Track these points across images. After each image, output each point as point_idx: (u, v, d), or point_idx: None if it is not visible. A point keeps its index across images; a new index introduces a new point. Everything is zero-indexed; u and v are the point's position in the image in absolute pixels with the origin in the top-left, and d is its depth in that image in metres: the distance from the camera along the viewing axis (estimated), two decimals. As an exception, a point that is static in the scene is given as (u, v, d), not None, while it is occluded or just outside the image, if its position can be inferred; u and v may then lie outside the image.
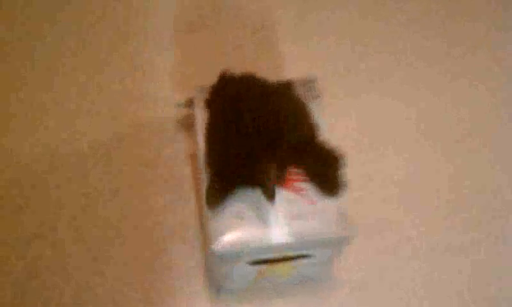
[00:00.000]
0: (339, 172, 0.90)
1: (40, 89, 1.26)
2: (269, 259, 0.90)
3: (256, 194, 0.87)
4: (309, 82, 0.99)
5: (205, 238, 0.93)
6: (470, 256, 1.10)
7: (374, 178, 1.17)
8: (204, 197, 0.86)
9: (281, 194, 0.87)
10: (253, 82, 0.91)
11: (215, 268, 0.92)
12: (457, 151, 1.23)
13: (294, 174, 0.90)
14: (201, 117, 0.94)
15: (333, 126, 1.16)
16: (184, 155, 1.17)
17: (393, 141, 1.23)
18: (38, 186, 1.12)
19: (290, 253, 0.89)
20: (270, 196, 0.84)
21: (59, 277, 1.02)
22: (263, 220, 0.85)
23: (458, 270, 1.09)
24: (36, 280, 1.02)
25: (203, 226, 1.04)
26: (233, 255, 0.85)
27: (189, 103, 1.05)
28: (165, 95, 1.24)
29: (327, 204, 0.88)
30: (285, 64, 1.31)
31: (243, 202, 0.87)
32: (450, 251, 1.11)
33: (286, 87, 0.96)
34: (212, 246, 0.83)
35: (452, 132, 1.25)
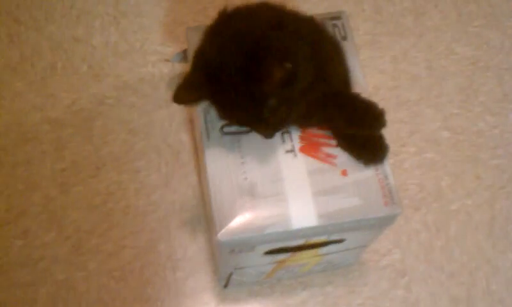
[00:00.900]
0: (379, 133, 0.68)
1: (3, 43, 1.07)
2: (289, 247, 0.72)
3: (272, 162, 0.67)
4: (336, 18, 0.77)
5: (209, 220, 0.74)
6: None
7: (411, 138, 0.97)
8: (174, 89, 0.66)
9: (306, 162, 0.68)
10: (264, 12, 0.68)
11: (222, 259, 0.74)
12: (507, 105, 1.06)
13: (321, 135, 0.71)
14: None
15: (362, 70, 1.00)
16: (180, 120, 0.99)
17: (431, 95, 1.06)
18: (4, 162, 0.96)
19: (317, 239, 0.69)
20: (266, 120, 0.64)
21: (31, 273, 0.88)
22: (282, 196, 0.65)
23: None
24: (3, 277, 0.88)
25: (206, 205, 0.84)
26: (246, 244, 0.68)
27: (182, 57, 0.85)
28: (155, 48, 1.06)
29: (364, 175, 0.68)
30: (301, 5, 1.09)
31: (255, 171, 0.66)
32: (510, 226, 0.96)
33: (309, 20, 0.73)
34: (219, 235, 0.64)
35: (501, 81, 1.08)
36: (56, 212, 0.92)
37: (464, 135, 1.02)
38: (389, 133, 0.98)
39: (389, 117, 1.00)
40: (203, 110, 0.72)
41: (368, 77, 1.02)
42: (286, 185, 0.67)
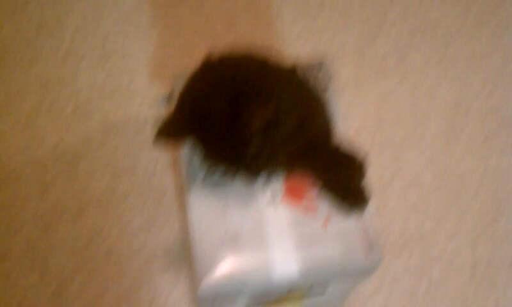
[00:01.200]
0: (362, 182, 0.69)
1: (-10, 85, 1.06)
2: (271, 300, 0.72)
3: (255, 212, 0.67)
4: (318, 65, 0.78)
5: (191, 266, 0.73)
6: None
7: (394, 181, 0.98)
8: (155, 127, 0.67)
9: (288, 212, 0.68)
10: (248, 62, 0.69)
11: (204, 307, 0.72)
12: (489, 148, 1.07)
13: (304, 184, 0.70)
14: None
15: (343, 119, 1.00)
16: (164, 162, 0.99)
17: (414, 138, 1.07)
18: (-13, 204, 0.94)
19: (300, 289, 0.69)
20: (250, 162, 0.64)
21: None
22: (263, 247, 0.66)
23: (503, 292, 0.91)
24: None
25: (188, 250, 0.83)
26: (227, 296, 0.67)
27: (168, 100, 0.85)
28: (141, 89, 1.05)
29: (346, 226, 0.68)
30: (286, 44, 1.10)
31: (237, 221, 0.67)
32: (492, 269, 0.96)
33: (291, 71, 0.74)
34: (199, 287, 0.63)
35: (482, 124, 1.09)
36: (38, 255, 0.91)
37: (446, 179, 1.03)
38: (372, 175, 0.99)
39: (372, 159, 1.01)
40: (186, 160, 0.72)
41: (351, 120, 1.04)
42: (268, 236, 0.67)
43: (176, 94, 0.71)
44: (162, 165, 0.98)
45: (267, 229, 0.68)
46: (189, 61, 1.05)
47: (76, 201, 0.95)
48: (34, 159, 0.97)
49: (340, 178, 0.70)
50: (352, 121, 1.06)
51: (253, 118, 0.61)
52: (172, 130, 0.66)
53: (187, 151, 0.72)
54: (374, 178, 1.00)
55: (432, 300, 0.93)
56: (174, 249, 0.92)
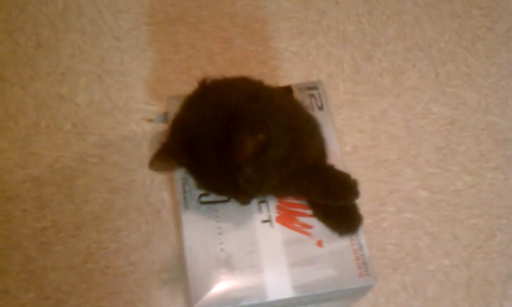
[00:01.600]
0: (354, 204, 0.70)
1: (-11, 102, 1.07)
2: None
3: (249, 232, 0.67)
4: (312, 88, 0.79)
5: (187, 285, 0.73)
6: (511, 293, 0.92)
7: (390, 197, 0.99)
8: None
9: (282, 232, 0.69)
10: (241, 88, 0.70)
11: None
12: (484, 165, 1.08)
13: (298, 205, 0.70)
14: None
15: (339, 139, 1.01)
16: (161, 178, 0.99)
17: (409, 154, 1.07)
18: (-15, 221, 0.94)
19: (295, 308, 0.70)
20: (242, 188, 0.65)
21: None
22: (258, 267, 0.66)
23: None
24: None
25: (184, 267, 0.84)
26: (221, 316, 0.66)
27: (164, 118, 0.86)
28: (139, 106, 1.06)
29: (340, 246, 0.68)
30: (282, 62, 1.11)
31: (232, 241, 0.67)
32: (487, 286, 0.96)
33: (285, 94, 0.75)
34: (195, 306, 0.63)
35: (478, 141, 1.10)
36: (36, 272, 0.91)
37: (441, 195, 1.04)
38: (368, 192, 1.00)
39: (368, 176, 1.03)
40: (181, 180, 0.73)
41: (347, 136, 1.05)
42: (262, 256, 0.68)
43: (171, 117, 0.72)
44: (159, 181, 0.99)
45: (261, 249, 0.68)
46: (187, 78, 1.07)
47: (73, 218, 0.95)
48: (32, 176, 0.98)
49: (333, 198, 0.71)
50: (348, 138, 1.07)
51: (244, 146, 0.62)
52: (166, 157, 0.67)
53: (182, 171, 0.73)
54: (370, 195, 1.01)
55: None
56: (171, 265, 0.93)
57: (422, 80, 1.15)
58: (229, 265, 0.67)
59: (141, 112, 1.05)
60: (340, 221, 0.70)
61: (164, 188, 0.98)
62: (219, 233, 0.69)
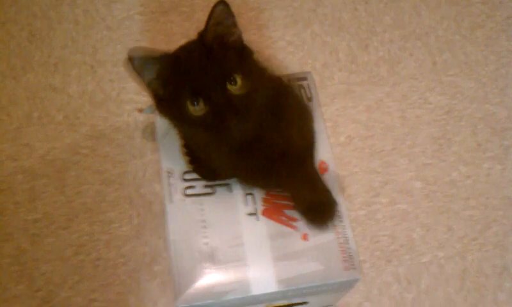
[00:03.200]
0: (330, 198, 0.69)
1: (-19, 93, 1.06)
2: None
3: (234, 226, 0.67)
4: (302, 79, 0.78)
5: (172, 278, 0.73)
6: (506, 285, 0.91)
7: (384, 188, 0.98)
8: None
9: (267, 225, 0.68)
10: None
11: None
12: (481, 155, 1.06)
13: (283, 197, 0.69)
14: (162, 125, 0.74)
15: (334, 129, 1.00)
16: (154, 170, 0.99)
17: (405, 145, 1.06)
18: (-23, 213, 0.94)
19: (279, 303, 0.69)
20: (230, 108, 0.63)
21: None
22: (242, 261, 0.65)
23: (493, 301, 0.93)
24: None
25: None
26: (206, 308, 0.66)
27: (145, 110, 0.86)
28: (131, 97, 1.05)
29: (325, 239, 0.68)
30: (278, 51, 1.11)
31: (216, 235, 0.67)
32: (482, 278, 0.95)
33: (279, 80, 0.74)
34: (178, 301, 0.64)
35: (475, 131, 1.08)
36: (27, 264, 0.91)
37: (436, 186, 1.02)
38: (362, 183, 0.99)
39: (362, 167, 1.02)
40: (166, 173, 0.72)
41: (342, 127, 1.04)
42: (247, 250, 0.68)
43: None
44: (151, 173, 0.98)
45: (246, 243, 0.68)
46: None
47: (65, 209, 0.95)
48: (24, 167, 0.98)
49: (307, 192, 0.70)
50: (343, 128, 1.05)
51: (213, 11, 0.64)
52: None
53: (167, 165, 0.73)
54: (364, 186, 1.01)
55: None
56: (162, 257, 0.92)
57: (418, 69, 1.13)
58: (213, 259, 0.67)
59: (133, 103, 1.04)
60: (313, 213, 0.70)
61: (155, 179, 0.98)
62: (204, 227, 0.68)
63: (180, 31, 1.12)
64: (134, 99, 1.05)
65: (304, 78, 0.80)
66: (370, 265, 0.95)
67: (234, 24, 0.66)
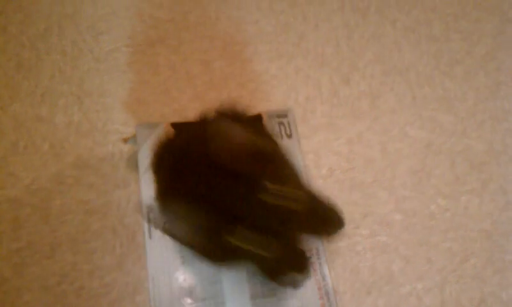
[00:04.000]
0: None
1: (-31, 122, 1.07)
2: None
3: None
4: (282, 116, 0.80)
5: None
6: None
7: (364, 221, 1.00)
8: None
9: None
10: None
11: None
12: (459, 188, 1.09)
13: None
14: (144, 160, 0.76)
15: (315, 162, 1.02)
16: (137, 200, 0.99)
17: (385, 177, 1.08)
18: (-39, 241, 0.95)
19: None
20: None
21: None
22: (220, 298, 0.67)
23: None
24: None
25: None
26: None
27: (130, 140, 0.87)
28: (117, 127, 1.06)
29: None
30: (261, 84, 1.12)
31: (194, 272, 0.68)
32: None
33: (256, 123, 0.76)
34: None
35: (453, 165, 1.11)
36: (9, 293, 0.91)
37: (416, 218, 1.04)
38: (343, 214, 1.01)
39: (343, 199, 1.04)
40: (146, 208, 0.74)
41: (323, 159, 1.06)
42: (224, 287, 0.69)
43: (140, 142, 0.73)
44: (135, 203, 0.99)
45: (224, 280, 0.69)
46: (166, 99, 1.08)
47: (49, 239, 0.96)
48: (9, 196, 0.99)
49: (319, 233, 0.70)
50: (325, 161, 1.07)
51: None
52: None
53: (147, 200, 0.74)
54: (345, 217, 1.02)
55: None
56: (144, 287, 0.93)
57: (399, 104, 1.16)
58: (192, 294, 0.68)
59: (119, 133, 1.06)
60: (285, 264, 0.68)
61: (139, 210, 0.99)
62: (183, 263, 0.70)
63: (167, 63, 1.14)
64: (119, 129, 1.06)
65: (285, 116, 0.82)
66: (350, 296, 0.96)
67: (232, 126, 0.61)
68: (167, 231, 0.69)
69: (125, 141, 0.98)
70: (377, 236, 1.02)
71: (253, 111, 0.85)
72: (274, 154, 0.68)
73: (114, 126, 1.07)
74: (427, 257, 1.01)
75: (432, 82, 1.19)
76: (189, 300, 0.67)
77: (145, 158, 0.76)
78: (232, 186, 0.58)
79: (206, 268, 0.69)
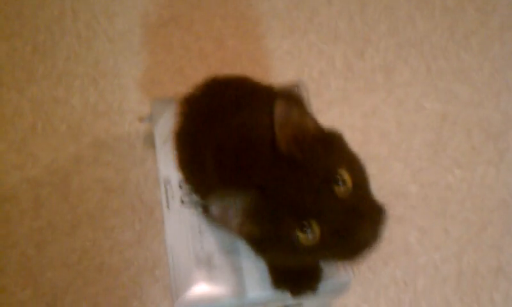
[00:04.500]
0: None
1: (-14, 105, 1.09)
2: None
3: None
4: (294, 86, 0.81)
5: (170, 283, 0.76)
6: (501, 285, 0.92)
7: (380, 192, 0.99)
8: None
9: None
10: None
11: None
12: (476, 159, 1.08)
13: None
14: (160, 134, 0.77)
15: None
16: (155, 177, 1.01)
17: (400, 150, 1.08)
18: (-16, 221, 0.97)
19: (275, 305, 0.71)
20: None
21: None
22: (237, 266, 0.68)
23: (489, 301, 0.94)
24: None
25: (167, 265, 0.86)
26: (203, 311, 0.68)
27: (145, 119, 0.88)
28: (133, 107, 1.08)
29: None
30: (275, 61, 1.13)
31: (212, 241, 0.69)
32: (477, 279, 0.97)
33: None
34: (175, 304, 0.66)
35: (469, 135, 1.10)
36: (33, 270, 0.94)
37: (432, 190, 1.04)
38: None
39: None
40: (163, 181, 0.75)
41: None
42: (242, 255, 0.70)
43: (155, 118, 0.75)
44: (152, 180, 1.01)
45: (241, 248, 0.70)
46: (180, 78, 1.09)
47: (69, 217, 0.98)
48: (29, 177, 1.01)
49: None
50: (339, 134, 1.08)
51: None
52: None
53: (165, 172, 0.75)
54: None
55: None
56: (163, 262, 0.95)
57: (413, 76, 1.15)
58: (210, 263, 0.69)
59: (134, 113, 1.07)
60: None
61: (157, 187, 1.00)
62: (200, 232, 0.71)
63: (180, 42, 1.15)
64: (135, 109, 1.08)
65: (296, 87, 0.82)
66: (367, 268, 0.97)
67: (304, 112, 0.57)
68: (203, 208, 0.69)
69: (141, 120, 1.00)
70: (393, 208, 1.02)
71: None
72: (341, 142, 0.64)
73: (129, 105, 1.08)
74: (444, 227, 1.01)
75: (447, 53, 1.18)
76: (207, 269, 0.68)
77: (161, 132, 0.77)
78: (303, 179, 0.53)
79: (223, 237, 0.70)
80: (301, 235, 0.52)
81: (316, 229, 0.52)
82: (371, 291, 0.95)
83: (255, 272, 0.68)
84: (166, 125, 0.79)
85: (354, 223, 0.53)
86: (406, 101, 1.12)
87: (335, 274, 0.70)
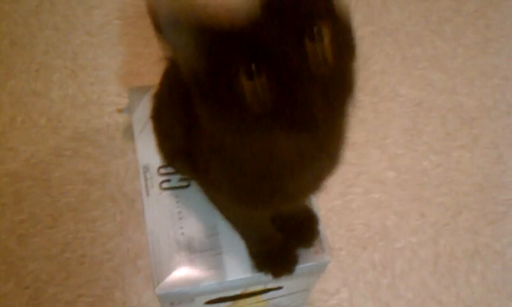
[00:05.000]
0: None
1: (-33, 100, 1.09)
2: (228, 297, 0.74)
3: (209, 216, 0.70)
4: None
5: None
6: (477, 267, 0.94)
7: (358, 179, 1.02)
8: None
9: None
10: None
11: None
12: (451, 144, 1.10)
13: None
14: (138, 122, 0.78)
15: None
16: (135, 169, 1.00)
17: (377, 137, 1.10)
18: (-35, 216, 0.97)
19: (255, 288, 0.73)
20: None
21: (-11, 325, 0.89)
22: (217, 250, 0.69)
23: (465, 283, 0.95)
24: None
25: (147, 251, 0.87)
26: (183, 297, 0.70)
27: (124, 110, 0.89)
28: (112, 99, 1.08)
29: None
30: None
31: (192, 226, 0.70)
32: (454, 261, 0.99)
33: None
34: (156, 289, 0.67)
35: (444, 121, 1.12)
36: (15, 263, 0.94)
37: (409, 175, 1.06)
38: (337, 174, 1.02)
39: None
40: (142, 168, 0.76)
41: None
42: (221, 239, 0.71)
43: (133, 109, 0.75)
44: (133, 172, 1.02)
45: (221, 232, 0.71)
46: (158, 69, 1.09)
47: (50, 210, 0.98)
48: (9, 170, 1.01)
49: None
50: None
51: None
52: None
53: (143, 161, 0.76)
54: (338, 177, 1.03)
55: (396, 292, 0.96)
56: (145, 252, 0.96)
57: (389, 64, 1.17)
58: (190, 248, 0.70)
59: (114, 105, 1.08)
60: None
61: (137, 178, 1.00)
62: (180, 218, 0.72)
63: (158, 34, 1.15)
64: (114, 101, 1.08)
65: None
66: (346, 253, 0.99)
67: None
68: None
69: (120, 111, 1.00)
70: (371, 193, 1.04)
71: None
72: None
73: (109, 98, 1.09)
74: (421, 212, 1.03)
75: (422, 41, 1.20)
76: (187, 253, 0.69)
77: (139, 120, 0.78)
78: (270, 21, 0.40)
79: (203, 221, 0.71)
80: (245, 83, 0.40)
81: (265, 80, 0.40)
82: (350, 275, 0.97)
83: (235, 255, 0.70)
84: (144, 113, 0.79)
85: (312, 90, 0.40)
86: (382, 88, 1.14)
87: (314, 256, 0.71)
